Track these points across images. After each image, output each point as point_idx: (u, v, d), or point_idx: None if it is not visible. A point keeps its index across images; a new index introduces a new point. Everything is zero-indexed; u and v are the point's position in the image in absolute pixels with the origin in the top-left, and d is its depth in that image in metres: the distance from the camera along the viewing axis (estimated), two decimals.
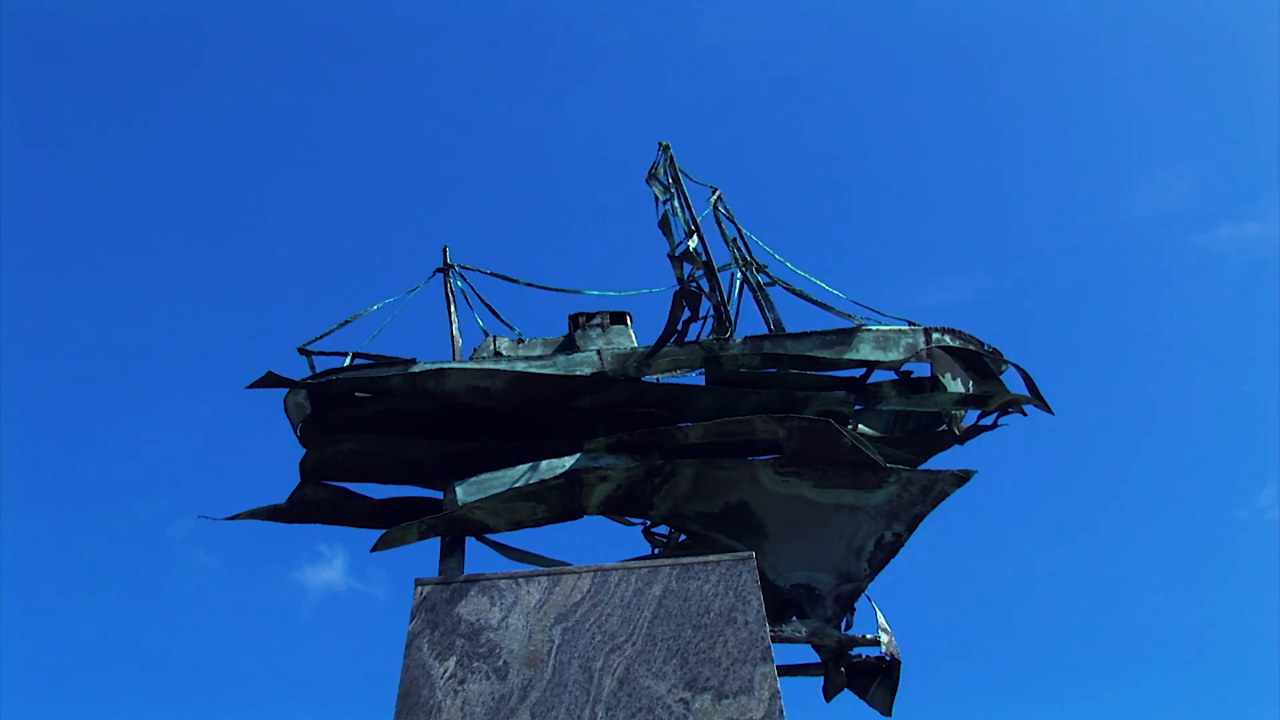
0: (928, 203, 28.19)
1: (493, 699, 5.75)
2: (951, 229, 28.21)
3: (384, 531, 6.94)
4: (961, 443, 8.04)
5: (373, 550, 6.90)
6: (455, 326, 8.03)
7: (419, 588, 6.35)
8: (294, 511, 7.53)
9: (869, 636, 7.01)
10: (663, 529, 8.17)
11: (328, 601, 27.23)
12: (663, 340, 7.45)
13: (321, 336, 7.59)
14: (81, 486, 26.35)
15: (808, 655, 7.05)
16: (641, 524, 8.12)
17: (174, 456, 26.60)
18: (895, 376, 7.83)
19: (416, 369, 7.36)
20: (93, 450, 26.70)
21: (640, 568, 6.33)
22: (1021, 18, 28.14)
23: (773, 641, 5.93)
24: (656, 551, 8.15)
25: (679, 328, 7.45)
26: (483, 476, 7.02)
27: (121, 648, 24.85)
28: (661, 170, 7.96)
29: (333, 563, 26.86)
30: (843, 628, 6.99)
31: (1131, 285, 27.77)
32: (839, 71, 29.29)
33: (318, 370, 7.48)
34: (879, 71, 28.89)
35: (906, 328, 7.74)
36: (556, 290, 8.27)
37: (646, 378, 7.57)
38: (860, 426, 7.73)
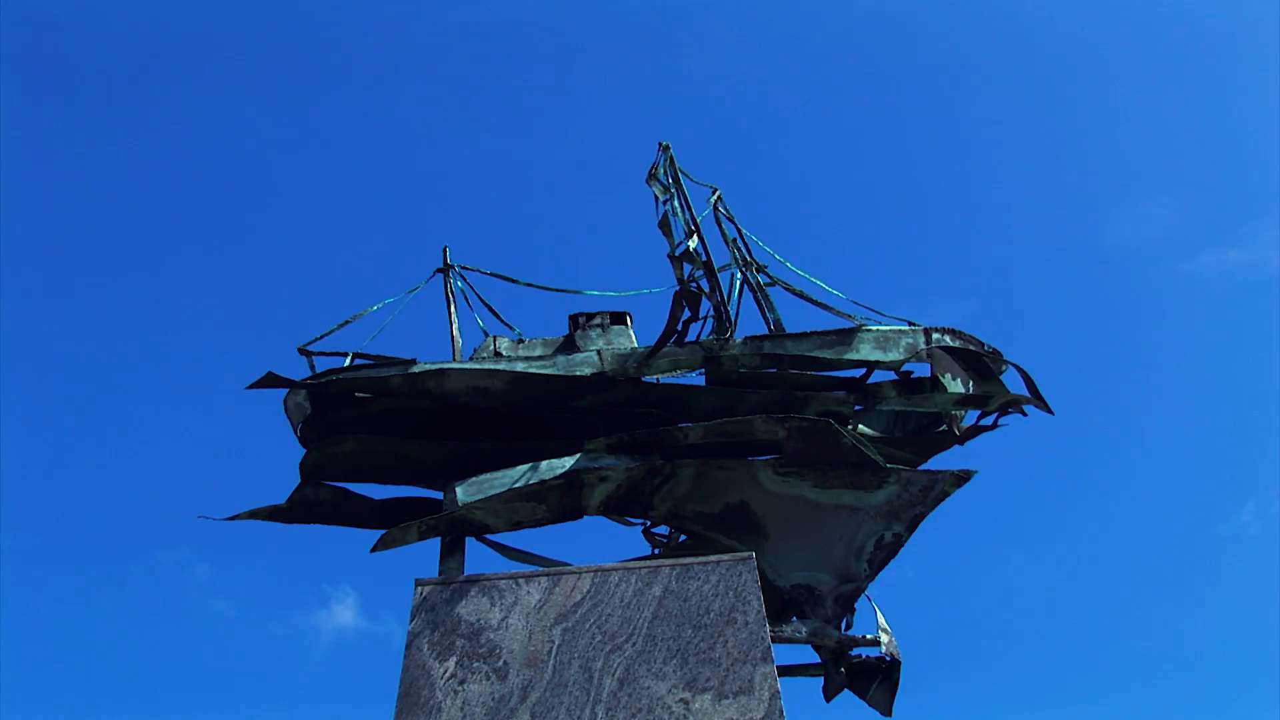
0: (915, 228, 28.56)
1: (493, 699, 5.75)
2: (937, 255, 28.54)
3: (384, 532, 6.94)
4: (961, 443, 8.03)
5: (373, 550, 6.89)
6: (455, 326, 8.02)
7: (419, 588, 6.35)
8: (294, 512, 7.52)
9: (869, 637, 7.00)
10: (663, 529, 8.17)
11: (339, 645, 27.41)
12: (663, 340, 7.44)
13: (321, 337, 7.59)
14: (96, 535, 26.42)
15: (808, 655, 7.06)
16: (641, 524, 8.12)
17: (178, 466, 26.64)
18: (895, 376, 7.83)
19: (416, 369, 7.36)
20: (98, 474, 26.78)
21: (640, 568, 6.33)
22: (1011, 50, 28.53)
23: (773, 642, 5.92)
24: (656, 551, 8.15)
25: (679, 328, 7.45)
26: (483, 477, 7.02)
27: (141, 700, 24.93)
28: (661, 170, 7.96)
29: (345, 602, 26.98)
30: (843, 628, 6.98)
31: (1117, 311, 28.28)
32: (836, 73, 29.40)
33: (318, 370, 7.47)
34: (873, 76, 29.11)
35: (906, 328, 7.74)
36: (556, 290, 8.27)
37: (646, 378, 7.56)
38: (860, 426, 7.73)
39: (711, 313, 7.63)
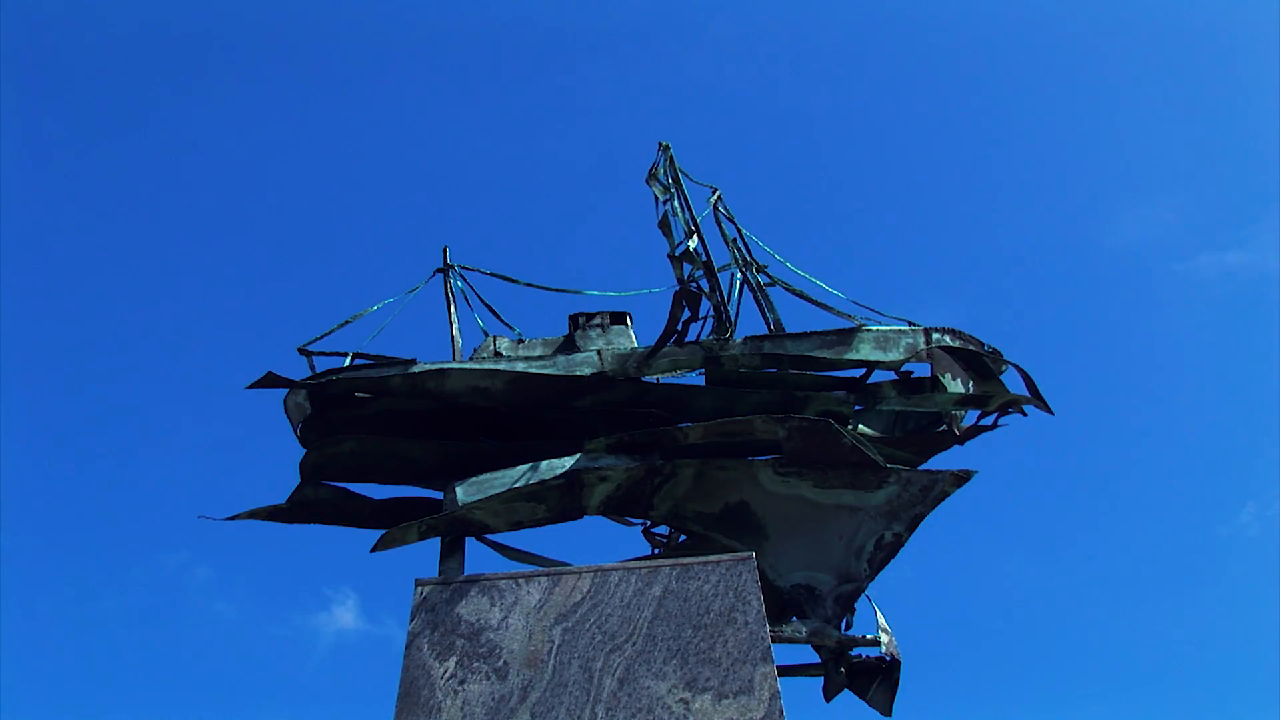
0: (915, 228, 28.63)
1: (493, 699, 5.75)
2: (937, 255, 28.62)
3: (384, 532, 6.93)
4: (961, 443, 8.03)
5: (373, 550, 6.89)
6: (455, 326, 8.02)
7: (419, 588, 6.35)
8: (294, 512, 7.52)
9: (869, 637, 7.00)
10: (663, 529, 8.17)
11: (340, 646, 27.45)
12: (663, 340, 7.44)
13: (321, 337, 7.58)
14: (98, 537, 26.40)
15: (808, 655, 7.05)
16: (641, 524, 8.12)
17: (178, 467, 26.64)
18: (895, 376, 7.83)
19: (416, 369, 7.36)
20: (98, 475, 26.77)
21: (640, 568, 6.33)
22: (1010, 50, 28.64)
23: (773, 642, 5.92)
24: (656, 551, 8.14)
25: (679, 328, 7.45)
26: (483, 476, 7.02)
27: (142, 701, 24.93)
28: (661, 170, 7.95)
29: (346, 604, 27.03)
30: (843, 628, 6.98)
31: (1116, 312, 28.35)
32: (836, 73, 29.44)
33: (318, 370, 7.47)
34: (873, 76, 29.19)
35: (906, 328, 7.74)
36: (556, 290, 8.27)
37: (646, 378, 7.56)
38: (860, 426, 7.72)
39: (711, 313, 7.63)
